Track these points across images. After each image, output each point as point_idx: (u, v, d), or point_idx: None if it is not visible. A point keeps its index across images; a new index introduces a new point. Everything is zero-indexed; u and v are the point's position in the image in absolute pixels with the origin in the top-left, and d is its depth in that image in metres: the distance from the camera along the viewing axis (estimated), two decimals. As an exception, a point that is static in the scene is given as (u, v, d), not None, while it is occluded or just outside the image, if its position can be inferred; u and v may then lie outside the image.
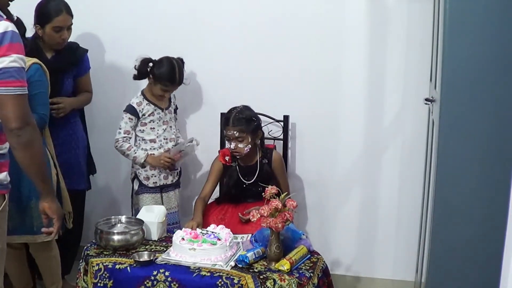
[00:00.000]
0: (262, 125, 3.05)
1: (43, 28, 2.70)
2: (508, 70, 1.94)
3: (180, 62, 2.87)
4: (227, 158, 2.83)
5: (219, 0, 3.09)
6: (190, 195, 3.25)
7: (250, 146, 2.71)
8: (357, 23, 2.92)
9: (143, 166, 2.88)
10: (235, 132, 2.68)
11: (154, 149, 2.88)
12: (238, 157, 2.78)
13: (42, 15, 2.70)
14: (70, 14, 2.74)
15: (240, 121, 2.69)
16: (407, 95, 2.93)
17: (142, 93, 2.88)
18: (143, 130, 2.88)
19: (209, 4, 3.10)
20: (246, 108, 2.76)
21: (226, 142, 2.77)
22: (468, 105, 2.01)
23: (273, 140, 3.07)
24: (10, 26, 1.71)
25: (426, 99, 2.51)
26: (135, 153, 2.84)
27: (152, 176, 2.90)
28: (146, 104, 2.85)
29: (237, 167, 2.82)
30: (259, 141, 2.81)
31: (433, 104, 2.39)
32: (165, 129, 2.90)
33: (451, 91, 2.02)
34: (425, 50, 2.74)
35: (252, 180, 2.79)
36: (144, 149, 2.87)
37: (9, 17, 1.91)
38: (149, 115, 2.86)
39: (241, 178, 2.81)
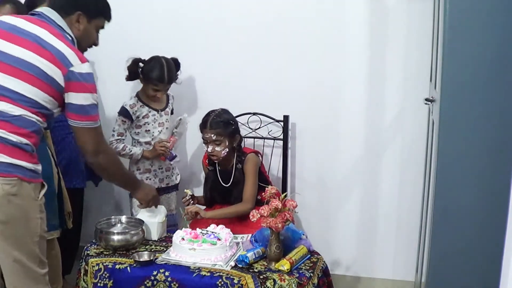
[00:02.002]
0: (262, 125, 3.07)
1: None
2: (508, 70, 1.94)
3: (172, 61, 2.83)
4: (207, 161, 2.84)
5: (220, 1, 3.09)
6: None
7: (227, 149, 2.68)
8: (357, 23, 2.92)
9: (140, 160, 2.85)
10: (212, 135, 2.64)
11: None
12: (215, 160, 2.75)
13: (27, 7, 2.74)
14: None
15: (218, 124, 2.65)
16: (407, 95, 2.93)
17: (137, 95, 2.87)
18: (138, 132, 2.85)
19: (210, 4, 3.11)
20: (224, 111, 2.72)
21: (204, 145, 2.72)
22: (468, 105, 2.01)
23: (273, 140, 3.08)
24: (90, 68, 2.02)
25: (426, 99, 2.52)
26: (131, 151, 2.82)
27: (147, 179, 2.87)
28: (140, 106, 2.83)
29: (217, 170, 2.81)
30: (237, 145, 2.76)
31: (433, 104, 2.39)
32: (161, 131, 2.87)
33: (451, 91, 2.03)
34: (425, 50, 2.74)
35: (229, 184, 2.77)
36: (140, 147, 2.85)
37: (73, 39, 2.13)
38: (143, 117, 2.83)
39: (221, 181, 2.79)
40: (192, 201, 2.77)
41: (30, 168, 1.93)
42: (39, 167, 1.99)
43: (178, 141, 2.94)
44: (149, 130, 2.85)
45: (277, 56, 3.06)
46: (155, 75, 2.76)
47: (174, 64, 2.84)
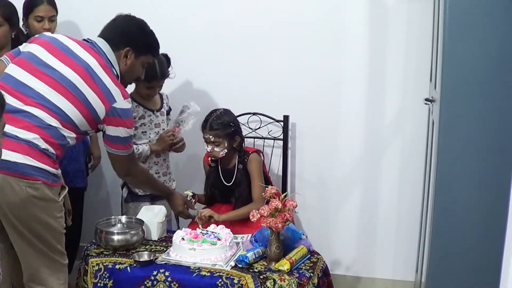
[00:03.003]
0: (262, 125, 3.07)
1: (27, 20, 2.76)
2: (508, 70, 1.94)
3: (162, 56, 2.70)
4: (209, 158, 2.84)
5: (220, 1, 3.09)
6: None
7: (226, 150, 2.68)
8: (357, 23, 2.92)
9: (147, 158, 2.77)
10: (210, 137, 2.65)
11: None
12: (213, 159, 2.78)
13: (25, 7, 2.77)
14: (52, 5, 2.78)
15: (217, 125, 2.65)
16: (407, 95, 2.93)
17: (130, 96, 2.66)
18: (134, 134, 2.70)
19: (211, 4, 3.10)
20: (226, 112, 2.72)
21: (204, 144, 2.72)
22: (468, 105, 2.01)
23: (273, 140, 3.08)
24: (129, 103, 2.19)
25: (426, 99, 2.51)
26: (138, 150, 2.70)
27: None
28: (136, 106, 2.71)
29: (220, 168, 2.81)
30: (238, 146, 2.75)
31: (433, 104, 2.39)
32: (158, 132, 2.79)
33: (451, 91, 2.02)
34: (425, 50, 2.74)
35: (231, 183, 2.77)
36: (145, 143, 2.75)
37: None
38: (139, 118, 2.73)
39: (222, 179, 2.79)
40: (193, 200, 2.78)
41: (53, 172, 2.03)
42: (60, 172, 2.11)
43: (185, 131, 2.83)
44: (145, 132, 2.76)
45: (277, 56, 3.05)
46: (147, 73, 2.59)
47: (165, 60, 2.73)
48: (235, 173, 2.76)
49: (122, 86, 2.17)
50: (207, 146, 2.69)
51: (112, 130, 2.17)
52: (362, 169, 3.07)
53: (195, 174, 3.26)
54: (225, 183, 2.78)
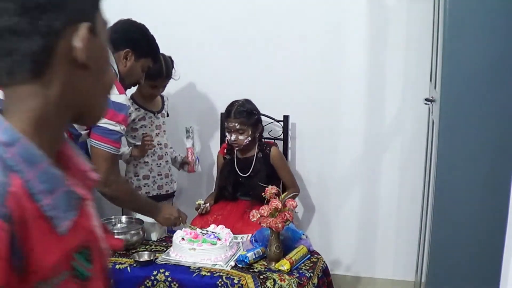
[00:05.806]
0: (262, 125, 3.07)
1: None
2: (508, 70, 1.94)
3: (168, 58, 2.71)
4: (225, 150, 2.88)
5: (220, 2, 3.09)
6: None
7: (249, 138, 2.74)
8: (357, 23, 2.92)
9: (138, 165, 2.75)
10: (236, 124, 2.70)
11: (147, 155, 2.74)
12: (237, 148, 2.80)
13: None
14: None
15: (242, 113, 2.71)
16: (407, 95, 2.93)
17: (132, 97, 2.72)
18: (135, 136, 2.72)
19: (210, 6, 3.10)
20: (247, 101, 2.79)
21: (227, 134, 2.77)
22: (468, 105, 2.01)
23: (273, 140, 3.08)
24: (126, 100, 2.13)
25: (426, 99, 2.52)
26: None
27: (144, 186, 2.76)
28: (135, 108, 2.69)
29: (235, 160, 2.84)
30: (258, 135, 2.82)
31: (433, 104, 2.39)
32: (158, 133, 2.77)
33: (451, 91, 2.03)
34: (425, 50, 2.74)
35: (247, 174, 2.80)
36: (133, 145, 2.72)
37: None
38: (139, 120, 2.71)
39: (238, 171, 2.83)
40: (207, 205, 2.79)
41: None
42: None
43: (197, 152, 2.87)
44: (146, 133, 2.73)
45: (277, 57, 3.06)
46: (152, 70, 2.56)
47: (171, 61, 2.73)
48: (254, 162, 2.79)
49: (119, 84, 2.13)
50: (231, 136, 2.73)
51: (102, 122, 2.05)
52: (362, 169, 3.08)
53: (198, 176, 3.26)
54: (241, 175, 2.81)
